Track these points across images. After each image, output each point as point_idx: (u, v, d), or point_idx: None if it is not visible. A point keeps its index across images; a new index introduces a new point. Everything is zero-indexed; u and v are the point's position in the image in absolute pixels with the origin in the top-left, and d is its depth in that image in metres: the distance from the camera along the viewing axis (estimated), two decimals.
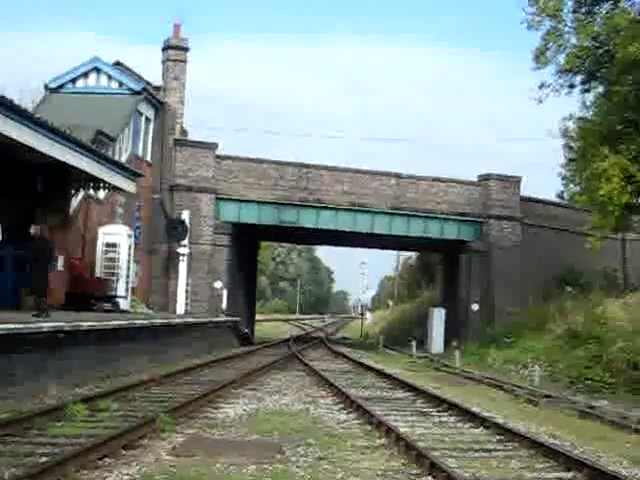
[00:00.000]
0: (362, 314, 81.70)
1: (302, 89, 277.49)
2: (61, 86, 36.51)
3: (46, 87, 36.64)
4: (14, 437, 11.24)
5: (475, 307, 42.98)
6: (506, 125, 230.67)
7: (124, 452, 10.68)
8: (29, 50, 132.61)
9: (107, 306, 28.54)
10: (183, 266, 38.37)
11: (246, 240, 45.69)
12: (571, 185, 54.85)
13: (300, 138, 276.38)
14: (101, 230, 30.66)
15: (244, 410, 15.43)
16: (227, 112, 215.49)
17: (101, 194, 30.98)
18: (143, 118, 37.87)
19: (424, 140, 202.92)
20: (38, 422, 12.24)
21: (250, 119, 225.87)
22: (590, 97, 35.84)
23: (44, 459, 9.62)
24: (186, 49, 40.74)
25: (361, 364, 29.24)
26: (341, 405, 16.84)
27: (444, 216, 43.45)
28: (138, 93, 36.77)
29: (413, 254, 78.47)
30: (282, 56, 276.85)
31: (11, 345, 14.52)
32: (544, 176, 68.15)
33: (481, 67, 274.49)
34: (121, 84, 36.83)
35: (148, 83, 38.71)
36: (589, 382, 25.28)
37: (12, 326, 14.67)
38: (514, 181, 45.05)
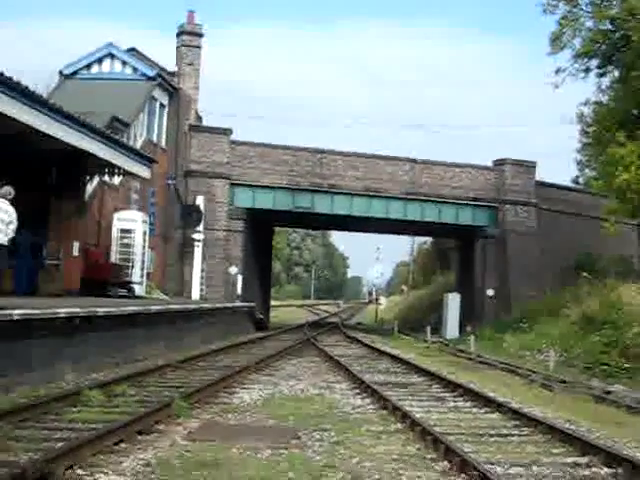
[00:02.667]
0: (377, 299, 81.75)
1: (317, 79, 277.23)
2: (75, 72, 36.56)
3: (60, 73, 36.69)
4: (30, 422, 11.27)
5: (490, 292, 42.92)
6: (522, 113, 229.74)
7: (140, 437, 10.70)
8: (43, 40, 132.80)
9: (122, 292, 28.62)
10: (198, 252, 38.44)
11: (261, 226, 45.71)
12: (587, 170, 54.72)
13: (315, 127, 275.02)
14: (116, 216, 30.71)
15: (260, 395, 15.44)
16: (242, 102, 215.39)
17: (116, 180, 31.04)
18: (157, 104, 37.88)
19: (440, 129, 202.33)
20: (54, 407, 12.28)
21: (265, 108, 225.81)
22: (606, 81, 35.77)
23: (60, 444, 9.64)
24: (200, 35, 40.71)
25: (376, 349, 29.24)
26: (356, 390, 16.82)
27: (459, 201, 43.35)
28: (152, 79, 36.79)
29: (428, 239, 78.45)
30: (298, 46, 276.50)
31: (27, 330, 14.56)
32: (559, 163, 68.11)
33: (496, 56, 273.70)
34: (135, 70, 36.85)
35: (162, 69, 38.74)
36: (605, 367, 25.18)
37: (28, 311, 14.71)
38: (529, 166, 44.92)
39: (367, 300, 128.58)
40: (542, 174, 46.31)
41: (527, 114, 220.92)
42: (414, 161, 43.33)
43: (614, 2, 33.17)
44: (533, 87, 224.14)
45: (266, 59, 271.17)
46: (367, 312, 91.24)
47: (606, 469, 9.93)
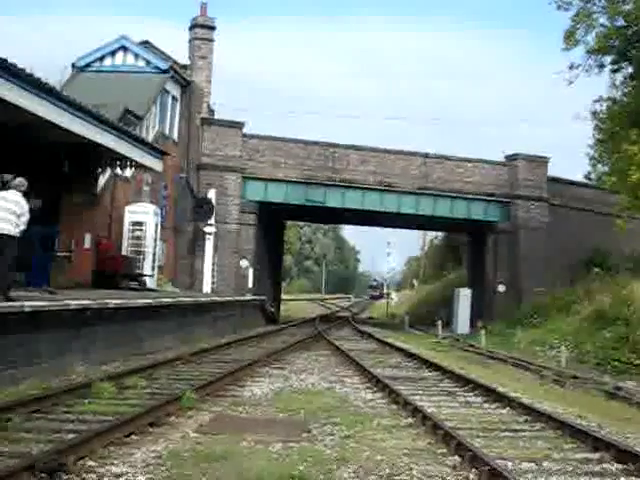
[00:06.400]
0: (388, 294, 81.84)
1: (327, 72, 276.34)
2: (88, 65, 36.54)
3: (73, 66, 36.67)
4: (41, 414, 11.30)
5: (501, 288, 42.83)
6: (533, 109, 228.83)
7: (151, 429, 10.72)
8: (55, 33, 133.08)
9: (133, 284, 28.64)
10: (209, 245, 38.48)
11: (272, 219, 45.70)
12: (599, 166, 54.55)
13: (326, 120, 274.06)
14: (128, 209, 30.73)
15: (270, 389, 15.44)
16: (253, 95, 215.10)
17: (128, 173, 30.99)
18: (170, 97, 37.88)
19: (449, 123, 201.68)
20: (65, 399, 12.30)
21: (275, 102, 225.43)
22: (620, 77, 35.62)
23: (71, 436, 9.65)
24: (213, 28, 40.63)
25: (387, 344, 29.19)
26: (367, 384, 16.81)
27: (471, 196, 43.24)
28: (165, 72, 36.75)
29: (439, 234, 78.41)
30: (307, 39, 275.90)
31: (38, 323, 14.59)
32: (571, 159, 67.80)
33: (507, 50, 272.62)
34: (148, 63, 36.81)
35: (175, 62, 38.71)
36: (616, 363, 25.15)
37: (39, 303, 14.75)
38: (542, 161, 44.76)
39: (370, 295, 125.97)
40: (553, 167, 46.17)
41: (537, 108, 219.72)
42: (426, 156, 43.25)
43: None
44: (543, 80, 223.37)
45: (275, 51, 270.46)
46: (378, 307, 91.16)
47: (617, 465, 9.89)
